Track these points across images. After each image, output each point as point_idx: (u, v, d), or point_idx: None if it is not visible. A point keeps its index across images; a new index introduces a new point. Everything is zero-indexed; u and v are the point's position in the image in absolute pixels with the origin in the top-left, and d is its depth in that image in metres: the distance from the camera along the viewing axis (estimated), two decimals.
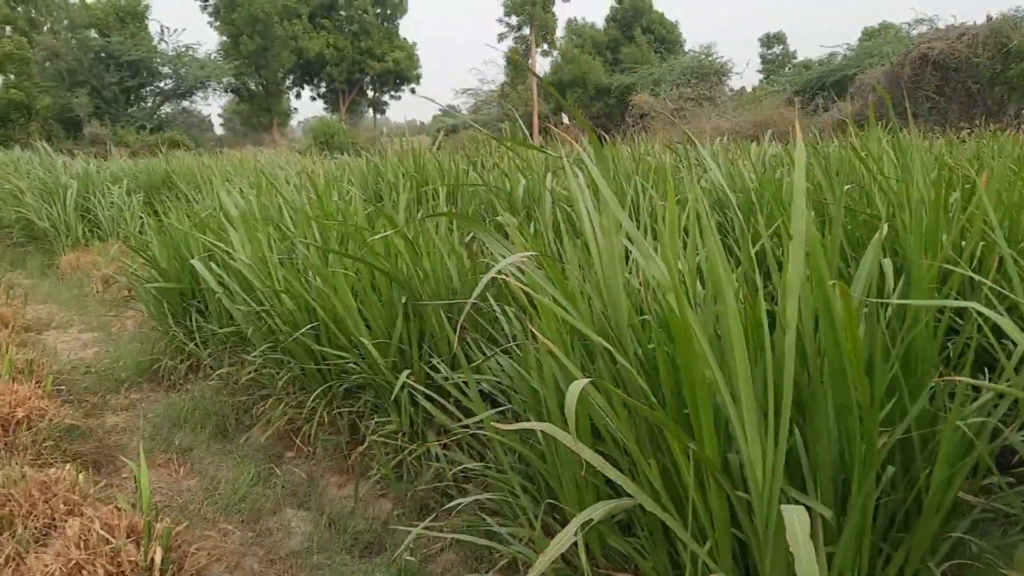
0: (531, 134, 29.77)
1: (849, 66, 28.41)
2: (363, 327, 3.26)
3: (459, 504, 2.96)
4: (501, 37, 41.74)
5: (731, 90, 31.09)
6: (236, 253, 3.82)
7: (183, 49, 42.25)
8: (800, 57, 50.32)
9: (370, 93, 56.07)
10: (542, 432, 2.40)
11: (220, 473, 3.77)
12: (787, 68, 48.92)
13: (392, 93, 55.86)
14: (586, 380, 1.40)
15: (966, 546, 1.89)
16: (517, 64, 37.81)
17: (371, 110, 57.81)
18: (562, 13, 54.18)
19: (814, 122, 18.41)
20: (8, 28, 38.24)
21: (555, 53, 44.06)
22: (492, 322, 3.06)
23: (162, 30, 42.75)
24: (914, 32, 29.36)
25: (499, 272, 1.82)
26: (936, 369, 1.88)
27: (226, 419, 4.31)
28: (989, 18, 16.42)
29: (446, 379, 2.95)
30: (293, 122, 59.89)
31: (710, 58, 29.63)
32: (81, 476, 3.21)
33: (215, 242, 4.22)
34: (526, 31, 40.08)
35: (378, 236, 3.15)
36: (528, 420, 2.47)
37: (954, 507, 1.82)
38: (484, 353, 2.95)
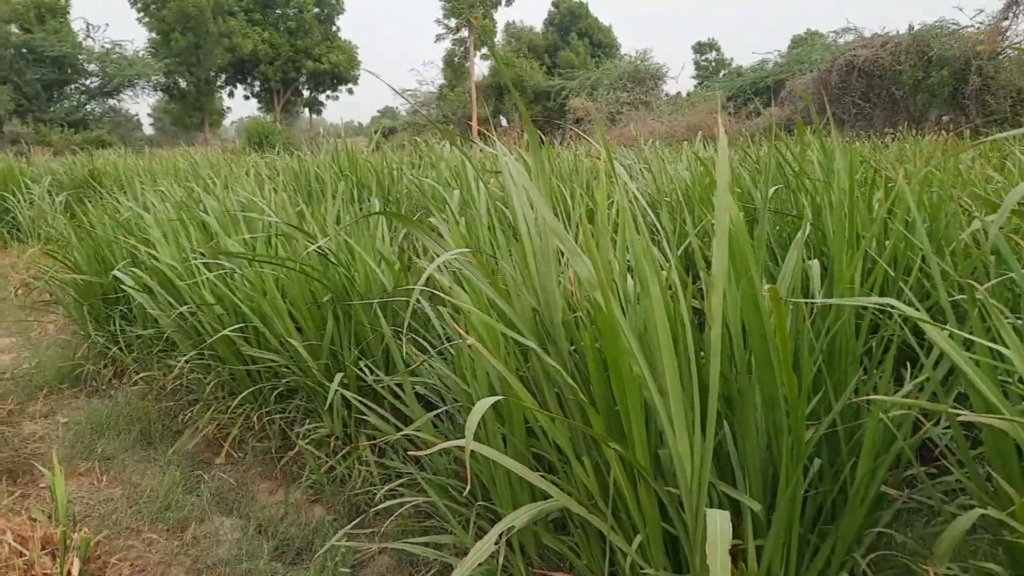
0: (469, 136, 29.64)
1: (780, 73, 29.21)
2: (293, 329, 3.19)
3: (392, 508, 2.93)
4: (439, 38, 41.63)
5: (666, 95, 31.62)
6: (159, 255, 3.70)
7: (110, 46, 40.96)
8: (734, 64, 51.58)
9: (306, 93, 55.27)
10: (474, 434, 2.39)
11: (145, 481, 3.64)
12: (721, 74, 50.05)
13: (329, 93, 55.19)
14: (493, 399, 1.39)
15: (890, 537, 1.94)
16: (454, 67, 37.76)
17: (307, 110, 56.98)
18: (501, 17, 54.27)
19: (746, 127, 18.84)
20: None
21: (493, 57, 44.18)
22: (426, 324, 3.02)
23: (87, 27, 41.27)
24: (841, 40, 30.38)
25: (435, 270, 1.79)
26: (859, 364, 1.92)
27: (152, 425, 4.17)
28: (911, 27, 17.07)
29: (378, 382, 2.90)
30: (226, 122, 58.72)
31: (646, 63, 30.06)
32: None
33: (136, 244, 4.08)
34: (464, 33, 40.04)
35: (316, 244, 3.09)
36: (463, 421, 2.45)
37: (879, 499, 1.86)
38: (418, 355, 2.92)
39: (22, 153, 16.98)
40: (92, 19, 66.67)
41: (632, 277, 1.99)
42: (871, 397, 1.53)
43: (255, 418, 3.58)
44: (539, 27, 51.24)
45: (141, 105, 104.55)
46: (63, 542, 2.30)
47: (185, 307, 3.65)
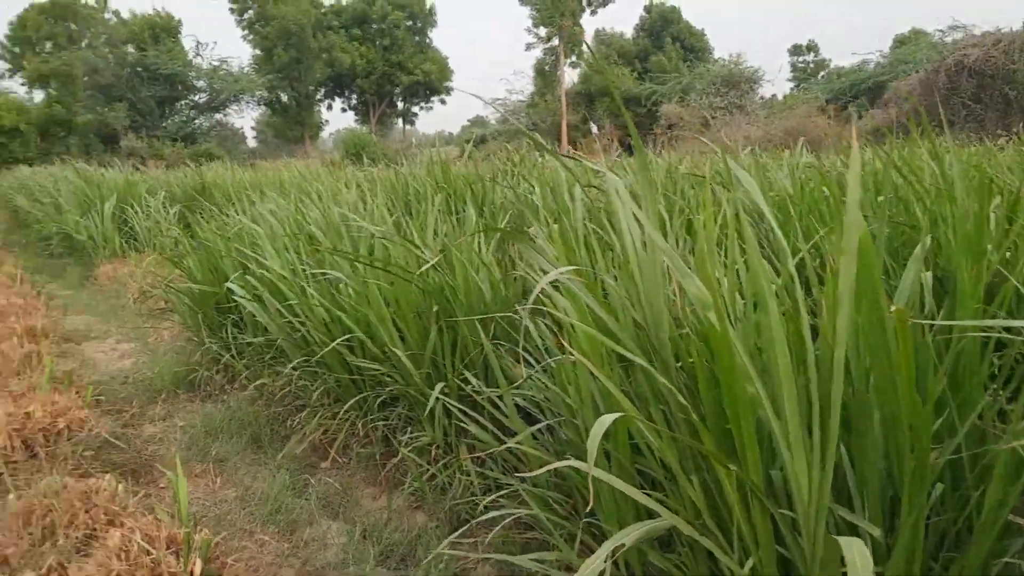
0: (559, 144, 29.79)
1: (882, 74, 28.19)
2: (397, 338, 3.27)
3: (493, 518, 2.96)
4: (529, 47, 41.93)
5: (761, 98, 30.90)
6: (270, 265, 3.86)
7: (217, 63, 42.98)
8: (832, 65, 49.91)
9: (400, 104, 56.60)
10: (580, 444, 2.39)
11: (256, 484, 3.80)
12: (820, 76, 48.52)
13: (422, 104, 56.34)
14: (613, 416, 1.38)
15: (1017, 567, 1.84)
16: (544, 75, 37.92)
17: (400, 121, 58.32)
18: (590, 24, 54.20)
19: (847, 130, 18.19)
20: (48, 44, 39.20)
21: (583, 64, 44.17)
22: (525, 335, 3.05)
23: (197, 45, 43.47)
24: (948, 39, 28.94)
25: (544, 286, 1.81)
26: (984, 385, 1.84)
27: (261, 430, 4.34)
28: None
29: (478, 392, 2.94)
30: (324, 134, 60.73)
31: (740, 66, 29.45)
32: (120, 487, 3.25)
33: (251, 254, 4.27)
34: (555, 42, 40.20)
35: (421, 255, 3.17)
36: (565, 436, 2.46)
37: (1006, 528, 1.77)
38: (517, 367, 2.94)
39: (138, 167, 17.99)
40: (202, 37, 70.26)
41: (740, 294, 1.96)
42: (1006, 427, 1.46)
43: (359, 425, 3.68)
44: (629, 33, 50.99)
45: (245, 119, 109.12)
46: (187, 543, 2.43)
47: (295, 319, 3.79)
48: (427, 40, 54.02)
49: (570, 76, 42.53)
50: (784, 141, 16.48)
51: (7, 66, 40.10)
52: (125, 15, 41.93)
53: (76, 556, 2.83)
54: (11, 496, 3.29)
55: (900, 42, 41.28)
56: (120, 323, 7.57)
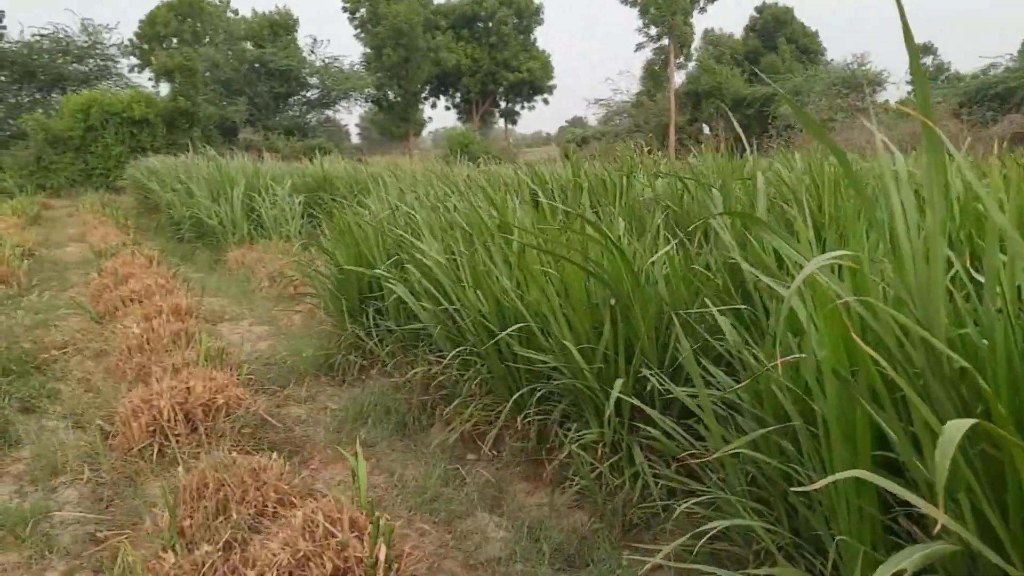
0: (667, 145, 29.26)
1: (1013, 78, 26.38)
2: (567, 330, 3.15)
3: (669, 523, 2.81)
4: (639, 47, 41.37)
5: (885, 101, 29.48)
6: (428, 252, 3.81)
7: (330, 60, 44.19)
8: (952, 69, 47.30)
9: (503, 104, 56.88)
10: (788, 448, 2.21)
11: (406, 471, 3.76)
12: (941, 80, 46.10)
13: (525, 103, 56.46)
14: (968, 421, 1.19)
15: None
16: (653, 74, 37.37)
17: (503, 120, 58.58)
18: (699, 24, 53.01)
19: (982, 136, 17.16)
20: (175, 40, 41.21)
21: (690, 64, 43.34)
22: (712, 331, 2.88)
23: (313, 42, 44.81)
24: None
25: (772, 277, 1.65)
26: None
27: (407, 417, 4.32)
28: None
29: (666, 392, 2.79)
30: (424, 132, 61.73)
31: (863, 67, 28.20)
32: (287, 465, 3.26)
33: (411, 240, 4.24)
34: (664, 41, 39.52)
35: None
36: (766, 440, 2.28)
37: None
38: (700, 364, 2.78)
39: (256, 160, 18.62)
40: (318, 35, 72.52)
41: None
42: None
43: (516, 418, 3.59)
44: (738, 34, 49.73)
45: (352, 115, 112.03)
46: (375, 527, 2.38)
47: (452, 306, 3.73)
48: (531, 38, 54.11)
49: (677, 77, 41.82)
50: (911, 145, 15.59)
51: (137, 61, 42.40)
52: (247, 13, 43.73)
53: (249, 533, 2.83)
54: (180, 468, 3.35)
55: None
56: (252, 306, 7.77)
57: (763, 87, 37.18)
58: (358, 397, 4.66)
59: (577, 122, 66.70)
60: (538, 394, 3.48)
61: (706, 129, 21.14)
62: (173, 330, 5.54)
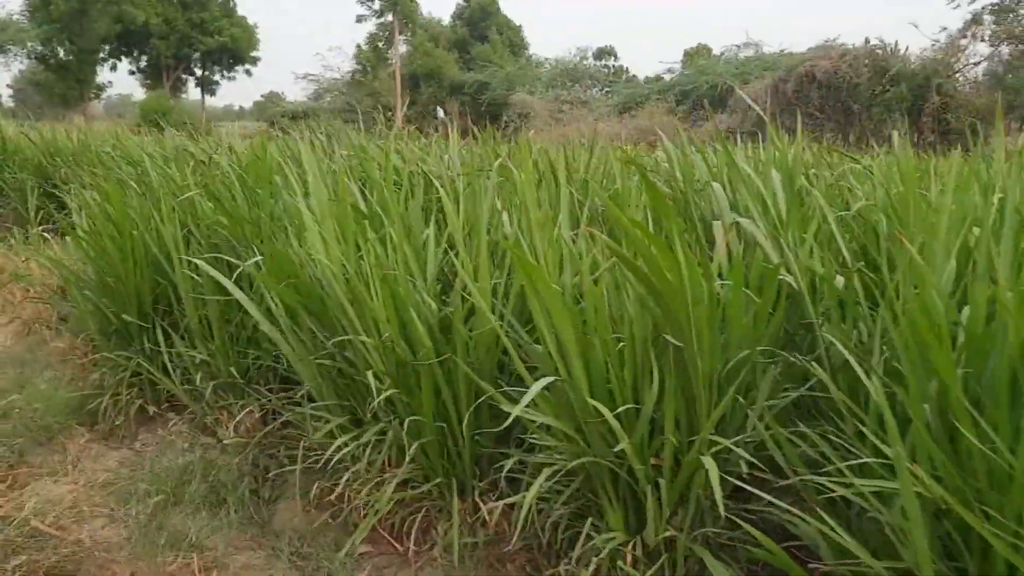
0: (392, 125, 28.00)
1: (684, 82, 28.81)
2: (583, 378, 2.08)
3: None
4: (360, 19, 39.47)
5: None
6: (314, 254, 2.48)
7: None
8: (629, 72, 51.83)
9: (198, 71, 51.78)
10: None
11: None
12: (622, 81, 50.35)
13: (225, 73, 51.86)
14: None
15: None
16: (377, 51, 36.01)
17: (199, 89, 53.32)
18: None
19: (697, 133, 18.49)
20: None
21: (404, 46, 42.51)
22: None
23: None
24: (742, 55, 30.62)
25: None
26: None
27: (241, 491, 2.94)
28: (867, 41, 17.12)
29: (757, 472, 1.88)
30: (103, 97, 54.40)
31: (585, 62, 29.45)
32: None
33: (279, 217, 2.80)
34: (389, 17, 38.10)
35: None
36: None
37: None
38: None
39: None
40: None
41: None
42: None
43: (473, 501, 2.45)
44: (446, 20, 50.03)
45: (3, 74, 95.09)
46: None
47: (348, 335, 2.46)
48: (232, 3, 49.78)
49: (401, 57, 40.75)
50: (639, 139, 16.33)
51: None
52: None
53: None
54: None
55: (690, 55, 43.58)
56: None
57: (476, 75, 37.62)
58: (153, 463, 3.16)
59: (272, 97, 62.53)
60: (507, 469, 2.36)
61: (440, 113, 20.46)
62: None
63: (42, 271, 5.51)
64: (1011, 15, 19.85)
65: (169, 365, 3.47)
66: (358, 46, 39.23)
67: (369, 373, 2.41)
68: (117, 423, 3.59)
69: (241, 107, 72.26)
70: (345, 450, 2.58)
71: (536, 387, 1.98)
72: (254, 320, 2.87)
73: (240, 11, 50.27)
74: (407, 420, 2.49)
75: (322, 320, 2.67)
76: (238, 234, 3.32)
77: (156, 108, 31.46)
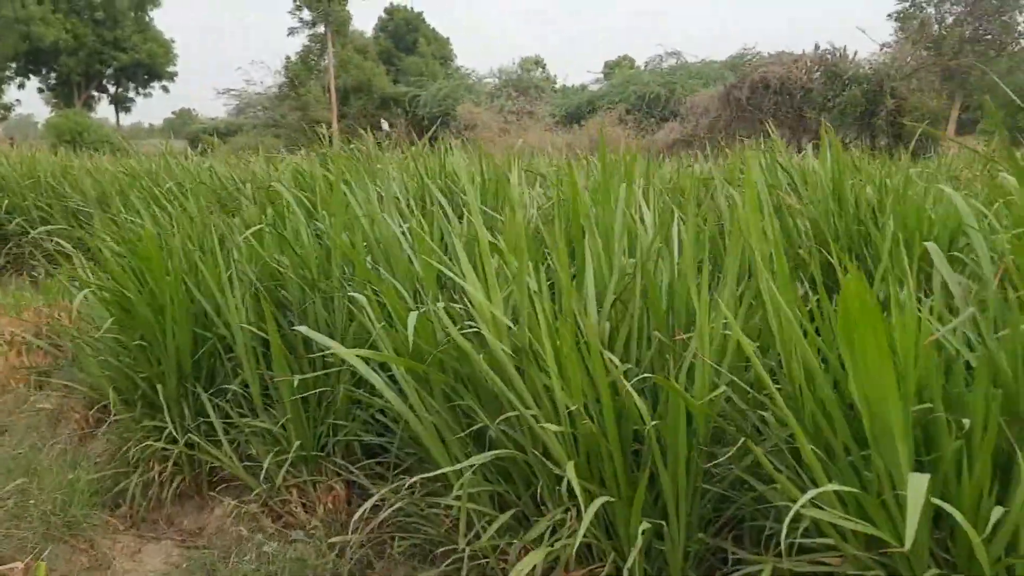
0: (331, 138, 27.05)
1: (611, 93, 28.83)
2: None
3: None
4: (292, 32, 38.18)
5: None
6: (478, 303, 1.94)
7: None
8: (558, 83, 51.90)
9: (111, 88, 49.46)
10: None
11: None
12: (552, 90, 50.49)
13: (140, 90, 49.67)
14: None
15: None
16: (308, 64, 34.91)
17: (113, 107, 50.89)
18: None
19: (646, 143, 18.35)
20: None
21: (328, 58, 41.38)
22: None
23: None
24: (665, 64, 30.84)
25: None
26: None
27: None
28: (817, 47, 17.28)
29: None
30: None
31: (531, 72, 29.11)
32: None
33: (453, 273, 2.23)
34: (320, 29, 36.88)
35: None
36: None
37: None
38: None
39: None
40: None
41: None
42: None
43: None
44: (369, 32, 49.10)
45: None
46: None
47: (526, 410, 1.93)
48: (148, 18, 47.75)
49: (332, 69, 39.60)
50: (591, 149, 16.06)
51: None
52: None
53: None
54: None
55: (611, 66, 43.92)
56: None
57: (406, 87, 36.99)
58: (216, 563, 2.55)
59: (185, 114, 60.06)
60: None
61: (385, 125, 19.80)
62: None
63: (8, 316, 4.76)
64: (914, 21, 20.47)
65: (223, 437, 2.85)
66: (287, 58, 38.00)
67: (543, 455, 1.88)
68: (147, 507, 2.96)
69: (151, 124, 69.32)
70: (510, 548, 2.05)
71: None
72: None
73: (158, 26, 48.34)
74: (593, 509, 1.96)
75: (472, 389, 2.13)
76: (306, 278, 2.75)
77: (70, 127, 29.66)
